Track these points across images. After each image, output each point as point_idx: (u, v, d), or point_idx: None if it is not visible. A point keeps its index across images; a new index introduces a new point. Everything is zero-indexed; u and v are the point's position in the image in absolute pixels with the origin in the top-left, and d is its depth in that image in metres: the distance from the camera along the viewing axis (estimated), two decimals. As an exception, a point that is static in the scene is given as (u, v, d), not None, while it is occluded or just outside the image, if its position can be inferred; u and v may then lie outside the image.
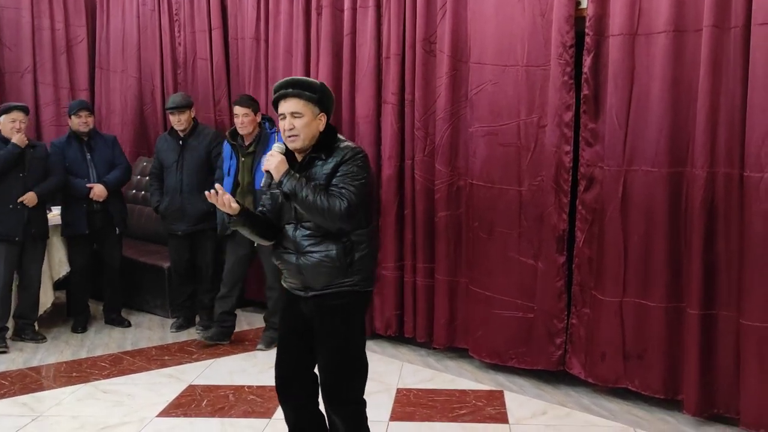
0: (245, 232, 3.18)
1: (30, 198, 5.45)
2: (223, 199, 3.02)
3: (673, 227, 4.09)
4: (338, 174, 3.01)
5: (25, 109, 5.61)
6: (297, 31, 5.83)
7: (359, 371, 3.18)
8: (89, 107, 6.09)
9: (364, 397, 3.22)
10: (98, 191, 5.83)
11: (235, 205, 3.05)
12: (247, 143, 5.36)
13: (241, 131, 5.34)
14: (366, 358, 3.21)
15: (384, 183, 5.28)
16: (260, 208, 3.26)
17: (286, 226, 3.14)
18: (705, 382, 3.98)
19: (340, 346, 3.12)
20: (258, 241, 3.26)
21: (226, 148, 5.46)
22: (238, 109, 5.33)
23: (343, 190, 2.97)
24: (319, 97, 3.04)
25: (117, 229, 6.01)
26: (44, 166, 5.64)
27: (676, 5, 3.96)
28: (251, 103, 5.37)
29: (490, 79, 4.69)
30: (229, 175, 5.38)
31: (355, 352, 3.16)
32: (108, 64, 7.64)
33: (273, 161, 3.03)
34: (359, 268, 3.08)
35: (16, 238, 5.43)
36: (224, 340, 5.60)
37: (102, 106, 7.57)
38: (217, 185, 3.11)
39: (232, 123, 6.55)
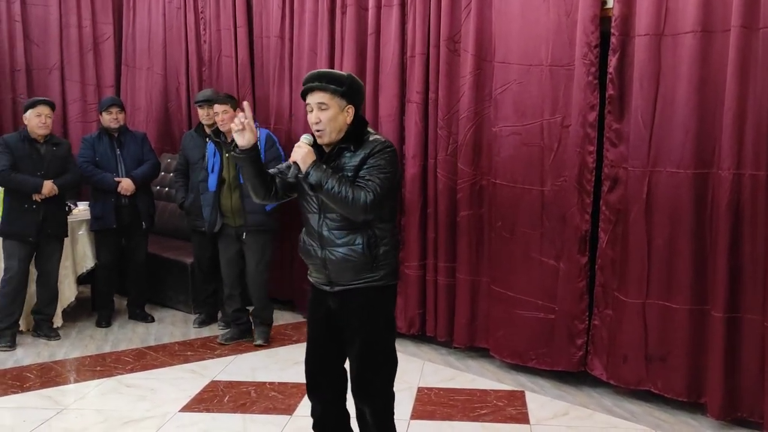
0: (247, 171, 3.12)
1: (48, 187, 5.42)
2: (245, 121, 3.02)
3: (697, 229, 4.06)
4: (366, 166, 3.00)
5: (51, 104, 5.62)
6: (321, 29, 5.85)
7: (388, 365, 3.20)
8: (120, 104, 6.14)
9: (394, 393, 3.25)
10: (126, 185, 5.88)
11: (251, 135, 3.04)
12: (229, 140, 5.36)
13: (222, 128, 5.39)
14: (395, 352, 3.23)
15: (407, 182, 5.28)
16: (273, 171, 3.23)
17: (309, 216, 3.14)
18: (729, 385, 3.95)
19: (369, 341, 3.13)
20: (252, 186, 3.18)
21: (210, 146, 5.54)
22: (217, 107, 5.44)
23: (369, 182, 2.96)
24: (346, 90, 3.02)
25: (144, 224, 6.06)
26: (64, 164, 5.64)
27: (703, 5, 3.92)
28: (229, 99, 5.49)
29: (515, 79, 4.68)
30: (213, 171, 5.46)
31: (383, 346, 3.17)
32: (134, 61, 7.71)
33: (300, 152, 3.00)
34: (384, 262, 3.09)
35: (30, 239, 5.44)
36: (245, 337, 5.63)
37: (127, 103, 7.62)
38: (245, 103, 3.09)
39: (256, 121, 6.59)
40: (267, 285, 5.55)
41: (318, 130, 3.04)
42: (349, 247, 3.04)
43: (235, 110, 5.36)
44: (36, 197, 5.41)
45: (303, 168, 2.98)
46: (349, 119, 3.05)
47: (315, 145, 3.09)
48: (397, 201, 3.32)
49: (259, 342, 5.52)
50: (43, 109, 5.50)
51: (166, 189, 7.12)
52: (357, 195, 2.93)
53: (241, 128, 3.03)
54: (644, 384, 4.30)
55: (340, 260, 3.06)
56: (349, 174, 3.01)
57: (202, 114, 5.85)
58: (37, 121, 5.47)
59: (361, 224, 3.03)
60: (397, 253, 3.18)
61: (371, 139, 3.07)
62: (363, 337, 3.12)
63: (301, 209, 3.20)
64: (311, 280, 3.26)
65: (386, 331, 3.19)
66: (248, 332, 5.66)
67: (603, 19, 4.35)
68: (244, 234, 5.39)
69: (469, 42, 4.91)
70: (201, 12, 7.01)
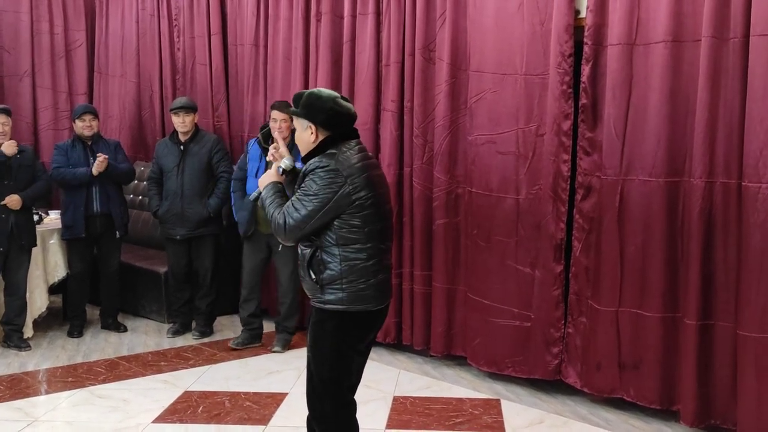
0: (290, 191, 3.20)
1: (14, 201, 5.35)
2: (276, 153, 3.18)
3: (670, 237, 4.09)
4: (300, 187, 3.02)
5: (7, 111, 5.54)
6: (296, 37, 5.84)
7: (324, 392, 3.08)
8: (94, 111, 6.06)
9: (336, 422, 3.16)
10: (101, 159, 5.71)
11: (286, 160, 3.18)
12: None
13: (277, 135, 5.29)
14: (336, 381, 3.07)
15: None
16: None
17: None
18: (702, 392, 3.98)
19: (314, 362, 3.11)
20: None
21: (255, 149, 5.40)
22: (276, 114, 5.23)
23: (290, 205, 2.97)
24: (300, 110, 3.06)
25: (117, 233, 5.99)
26: (32, 172, 5.57)
27: (674, 15, 3.97)
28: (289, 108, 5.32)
29: (490, 88, 4.70)
30: (256, 176, 5.24)
31: (318, 371, 3.08)
32: (107, 68, 7.65)
33: (264, 174, 3.16)
34: (332, 287, 2.99)
35: (1, 249, 5.36)
36: (255, 342, 5.66)
37: (100, 111, 7.50)
38: (277, 135, 3.21)
39: (230, 129, 6.59)
40: (297, 296, 5.54)
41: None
42: (300, 263, 3.11)
43: (293, 120, 5.25)
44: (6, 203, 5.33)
45: (261, 189, 3.13)
46: (312, 137, 3.05)
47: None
48: (365, 227, 2.99)
49: (276, 349, 5.52)
50: (0, 118, 5.42)
51: (140, 197, 7.06)
52: (276, 217, 2.98)
53: (274, 159, 3.22)
54: (617, 392, 4.32)
55: (300, 274, 3.15)
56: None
57: (177, 121, 5.81)
58: None
59: (313, 243, 3.02)
60: (353, 280, 2.98)
61: (325, 155, 2.99)
62: (310, 357, 3.12)
63: None
64: None
65: (329, 358, 3.05)
66: (259, 337, 5.70)
67: (576, 29, 4.39)
68: (281, 246, 5.29)
69: (444, 51, 4.92)
70: (175, 19, 6.97)
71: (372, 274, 3.02)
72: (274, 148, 3.28)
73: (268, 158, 3.28)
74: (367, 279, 3.01)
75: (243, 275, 5.65)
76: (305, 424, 3.24)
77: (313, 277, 3.01)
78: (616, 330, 4.26)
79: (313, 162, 2.98)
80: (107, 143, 6.08)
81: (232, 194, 5.65)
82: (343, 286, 2.98)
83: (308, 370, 3.13)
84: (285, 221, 2.94)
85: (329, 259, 2.99)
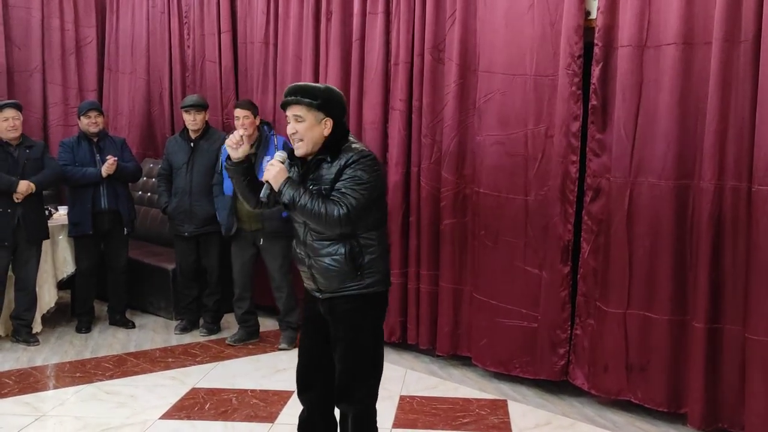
0: (238, 181, 3.22)
1: (24, 186, 5.34)
2: (236, 138, 3.15)
3: (679, 240, 4.08)
4: (342, 178, 3.01)
5: (18, 106, 5.55)
6: (306, 35, 5.84)
7: (372, 374, 3.22)
8: (98, 108, 6.08)
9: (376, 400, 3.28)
10: (111, 162, 5.75)
11: (245, 147, 3.16)
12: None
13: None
14: (379, 359, 3.24)
15: (390, 190, 5.27)
16: None
17: (296, 225, 3.19)
18: (710, 395, 3.97)
19: (353, 348, 3.15)
20: (242, 195, 3.28)
21: (225, 150, 5.47)
22: (239, 112, 5.45)
23: (345, 196, 2.97)
24: (321, 103, 3.04)
25: (125, 230, 6.01)
26: (40, 166, 5.58)
27: (685, 18, 3.96)
28: (251, 106, 5.50)
29: (499, 88, 4.69)
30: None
31: (367, 354, 3.18)
32: (117, 65, 7.66)
33: (272, 171, 3.06)
34: (370, 270, 3.10)
35: (6, 243, 5.37)
36: (252, 339, 5.73)
37: (110, 108, 7.58)
38: (238, 133, 3.20)
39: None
40: (293, 289, 5.57)
41: (296, 141, 3.09)
42: (332, 257, 3.07)
43: (255, 116, 5.44)
44: (15, 197, 5.34)
45: (275, 186, 3.05)
46: (326, 131, 3.06)
47: (299, 158, 3.13)
48: (386, 207, 3.29)
49: (283, 346, 5.57)
50: (9, 113, 5.43)
51: (149, 194, 7.08)
52: (330, 210, 2.95)
53: (236, 146, 3.15)
54: (624, 394, 4.31)
55: (325, 269, 3.10)
56: (326, 186, 3.03)
57: (188, 119, 5.82)
58: (5, 125, 5.40)
59: (345, 234, 3.03)
60: (385, 260, 3.19)
61: (350, 148, 3.07)
62: (347, 344, 3.14)
63: (291, 219, 3.24)
64: (305, 285, 3.30)
65: (371, 339, 3.20)
66: (255, 334, 5.76)
67: (587, 30, 4.38)
68: (261, 240, 5.43)
69: (454, 51, 4.92)
70: (185, 16, 6.98)
71: (389, 255, 3.26)
72: (240, 135, 3.20)
73: (229, 142, 3.18)
74: (388, 258, 3.24)
75: (233, 274, 5.68)
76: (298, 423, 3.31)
77: (350, 265, 3.05)
78: (623, 332, 4.25)
79: (354, 153, 3.03)
80: (113, 140, 6.09)
81: (214, 198, 5.69)
82: (380, 267, 3.14)
83: (343, 362, 3.15)
84: (346, 211, 2.95)
85: (368, 244, 3.09)
